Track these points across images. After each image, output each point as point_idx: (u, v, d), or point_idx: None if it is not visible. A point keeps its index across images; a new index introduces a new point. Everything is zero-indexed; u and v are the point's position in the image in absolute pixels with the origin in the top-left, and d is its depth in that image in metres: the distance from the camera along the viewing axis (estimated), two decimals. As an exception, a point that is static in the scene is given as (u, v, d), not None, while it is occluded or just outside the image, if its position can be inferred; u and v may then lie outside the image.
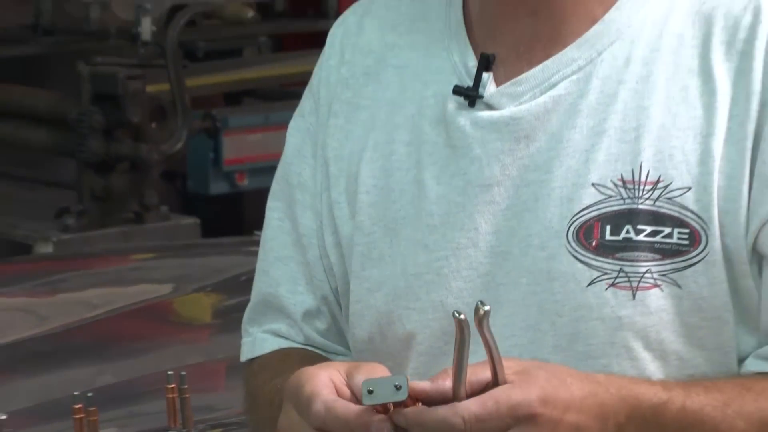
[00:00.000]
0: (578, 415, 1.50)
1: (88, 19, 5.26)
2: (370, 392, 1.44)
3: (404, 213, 1.74)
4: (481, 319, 1.45)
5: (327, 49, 1.86)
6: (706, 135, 1.66)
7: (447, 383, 1.46)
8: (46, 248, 4.13)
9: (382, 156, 1.77)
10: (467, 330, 1.44)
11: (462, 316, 1.44)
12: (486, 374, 1.47)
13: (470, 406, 1.46)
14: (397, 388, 1.44)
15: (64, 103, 4.29)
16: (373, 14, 1.85)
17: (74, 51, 5.15)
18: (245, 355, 1.84)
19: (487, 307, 1.46)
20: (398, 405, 1.45)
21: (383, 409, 1.46)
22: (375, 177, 1.77)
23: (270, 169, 5.14)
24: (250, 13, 5.41)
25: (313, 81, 1.86)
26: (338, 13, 5.76)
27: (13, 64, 5.38)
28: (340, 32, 1.87)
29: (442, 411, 1.46)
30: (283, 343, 1.80)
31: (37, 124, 4.41)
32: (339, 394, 1.48)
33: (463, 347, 1.45)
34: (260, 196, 5.51)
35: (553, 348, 1.62)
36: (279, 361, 1.78)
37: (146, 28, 5.02)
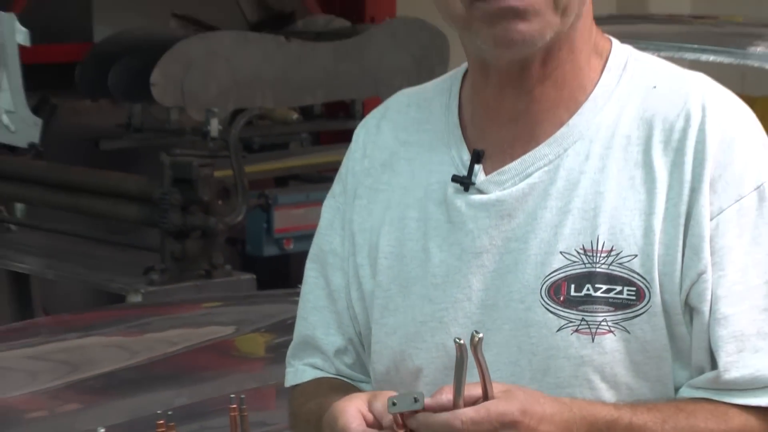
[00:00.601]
0: (549, 426, 1.51)
1: (169, 120, 5.28)
2: (394, 404, 1.48)
3: (414, 274, 1.74)
4: (476, 345, 1.48)
5: (352, 145, 1.86)
6: (649, 214, 1.66)
7: (448, 396, 1.49)
8: (136, 298, 4.12)
9: (397, 229, 1.76)
10: (465, 353, 1.46)
11: (461, 341, 1.47)
12: (478, 391, 1.50)
13: (467, 412, 1.48)
14: (416, 400, 1.48)
15: (150, 185, 4.29)
16: (388, 118, 1.85)
17: (158, 145, 5.16)
18: (289, 382, 1.85)
19: (480, 335, 1.48)
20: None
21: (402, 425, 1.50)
22: (391, 245, 1.76)
23: (310, 237, 5.12)
24: (295, 115, 5.42)
25: (342, 170, 1.85)
26: (363, 116, 5.75)
27: (112, 155, 5.40)
28: (362, 132, 1.86)
29: (445, 415, 1.49)
30: (319, 374, 1.81)
31: (129, 201, 4.40)
32: (365, 418, 1.52)
33: (461, 367, 1.47)
34: (302, 257, 5.48)
35: (530, 380, 1.63)
36: (315, 388, 1.79)
37: (214, 127, 5.03)
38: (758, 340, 1.62)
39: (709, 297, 1.62)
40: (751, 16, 5.99)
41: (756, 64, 3.46)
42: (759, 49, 3.47)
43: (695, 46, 3.46)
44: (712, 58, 3.40)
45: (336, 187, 1.85)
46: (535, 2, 1.63)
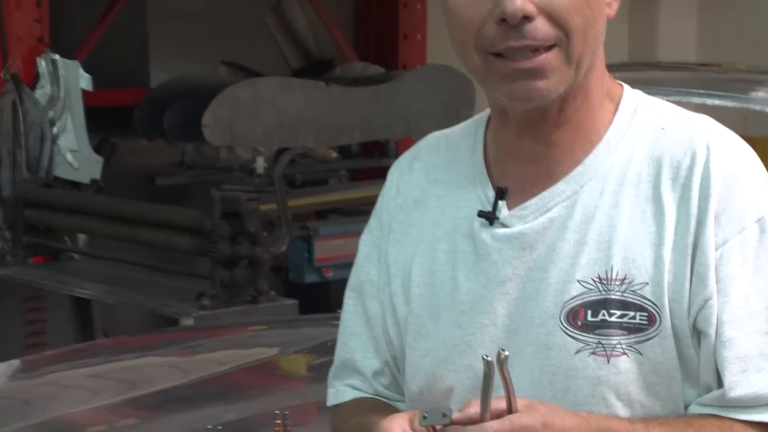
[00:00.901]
0: None
1: (219, 158, 5.30)
2: (425, 417, 1.49)
3: (444, 301, 1.74)
4: (502, 362, 1.48)
5: (387, 183, 1.87)
6: (659, 245, 1.65)
7: (476, 410, 1.50)
8: (189, 321, 4.12)
9: (428, 260, 1.76)
10: (492, 369, 1.47)
11: (489, 358, 1.47)
12: (503, 405, 1.50)
13: (493, 425, 1.49)
14: (444, 415, 1.49)
15: (201, 218, 4.30)
16: (419, 159, 1.85)
17: (209, 181, 5.18)
18: (330, 401, 1.85)
19: (506, 353, 1.49)
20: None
21: None
22: (423, 275, 1.76)
23: (348, 265, 5.10)
24: (334, 154, 5.43)
25: (378, 206, 1.86)
26: (396, 154, 5.78)
27: (167, 190, 5.42)
28: (396, 172, 1.87)
29: (473, 428, 1.50)
30: (358, 394, 1.82)
31: (182, 232, 4.41)
32: None
33: (488, 382, 1.48)
34: (341, 284, 5.48)
35: (551, 398, 1.63)
36: (355, 407, 1.80)
37: (260, 164, 5.05)
38: (761, 361, 1.62)
39: (714, 321, 1.62)
40: (752, 63, 5.98)
41: (757, 107, 3.46)
42: (760, 94, 3.48)
43: (701, 91, 3.46)
44: (716, 102, 3.40)
45: (372, 222, 1.85)
46: (548, 61, 1.63)
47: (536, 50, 1.62)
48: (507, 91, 1.64)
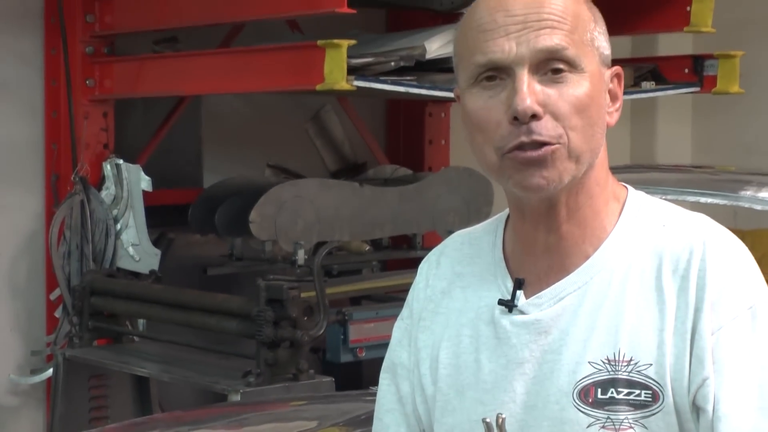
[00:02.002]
0: None
1: (264, 251, 5.30)
2: None
3: (468, 381, 1.74)
4: (500, 425, 1.49)
5: (418, 276, 1.88)
6: (661, 330, 1.66)
7: None
8: (236, 397, 4.11)
9: (454, 344, 1.77)
10: (491, 430, 1.57)
11: (489, 420, 1.49)
12: None
13: None
14: None
15: (248, 304, 4.30)
16: (446, 255, 1.86)
17: (255, 271, 5.17)
18: None
19: (504, 415, 1.51)
20: None
21: None
22: (449, 358, 1.77)
23: (380, 346, 5.06)
24: (367, 247, 5.44)
25: (409, 297, 1.87)
26: (423, 246, 5.79)
27: (217, 279, 5.43)
28: (425, 267, 1.88)
29: None
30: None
31: (231, 317, 4.41)
32: None
33: None
34: (373, 363, 5.46)
35: None
36: None
37: (301, 256, 5.06)
38: None
39: (711, 399, 1.62)
40: (741, 165, 5.98)
41: (746, 205, 3.46)
42: (748, 192, 3.48)
43: (696, 190, 3.47)
44: (709, 200, 3.41)
45: (405, 311, 1.87)
46: (553, 151, 1.65)
47: (543, 144, 1.65)
48: (519, 180, 1.67)
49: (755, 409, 1.62)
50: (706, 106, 7.22)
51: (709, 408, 1.61)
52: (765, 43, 6.98)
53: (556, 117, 1.64)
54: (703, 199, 3.36)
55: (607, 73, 1.73)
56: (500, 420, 1.53)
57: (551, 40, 1.65)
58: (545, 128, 1.64)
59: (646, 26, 5.43)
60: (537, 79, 1.65)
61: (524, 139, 1.64)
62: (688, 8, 5.13)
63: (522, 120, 1.63)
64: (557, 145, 1.64)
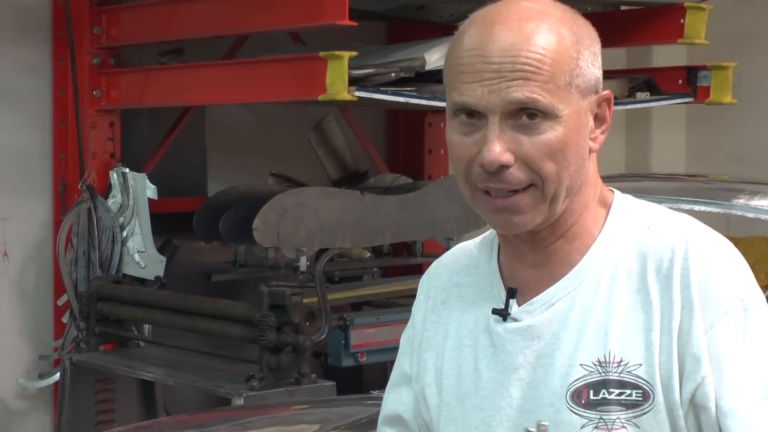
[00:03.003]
0: None
1: (267, 258, 5.30)
2: None
3: (468, 389, 1.75)
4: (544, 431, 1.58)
5: (420, 289, 1.91)
6: (649, 330, 1.66)
7: None
8: (239, 401, 4.11)
9: (455, 355, 1.78)
10: None
11: (532, 430, 1.57)
12: None
13: None
14: None
15: (251, 310, 4.30)
16: (445, 267, 1.87)
17: (258, 278, 5.18)
18: None
19: (546, 423, 1.51)
20: None
21: None
22: (451, 368, 1.78)
23: (380, 351, 5.05)
24: (368, 254, 5.44)
25: (413, 309, 1.92)
26: (422, 254, 5.78)
27: (221, 285, 5.43)
28: (426, 279, 1.90)
29: None
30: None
31: (235, 323, 4.41)
32: None
33: None
34: (374, 368, 5.47)
35: None
36: None
37: (303, 263, 5.06)
38: (764, 426, 1.61)
39: (713, 396, 1.61)
40: (734, 174, 6.00)
41: (738, 213, 3.47)
42: (740, 201, 3.49)
43: (690, 198, 3.47)
44: (703, 208, 3.41)
45: (410, 323, 1.89)
46: (523, 200, 1.66)
47: (514, 191, 1.65)
48: (491, 221, 1.70)
49: (760, 399, 1.61)
50: (700, 116, 7.22)
51: (712, 405, 1.60)
52: (757, 55, 6.98)
53: (527, 164, 1.63)
54: (696, 207, 3.37)
55: (594, 98, 1.69)
56: (541, 428, 1.55)
57: (522, 92, 1.61)
58: (514, 177, 1.64)
59: (640, 38, 5.45)
60: (510, 125, 1.63)
61: (492, 185, 1.64)
62: (682, 21, 5.14)
63: (488, 170, 1.62)
64: (530, 189, 1.63)
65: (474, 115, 1.64)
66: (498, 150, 1.61)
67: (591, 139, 1.68)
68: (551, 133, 1.63)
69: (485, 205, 1.66)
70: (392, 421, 1.85)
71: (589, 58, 1.69)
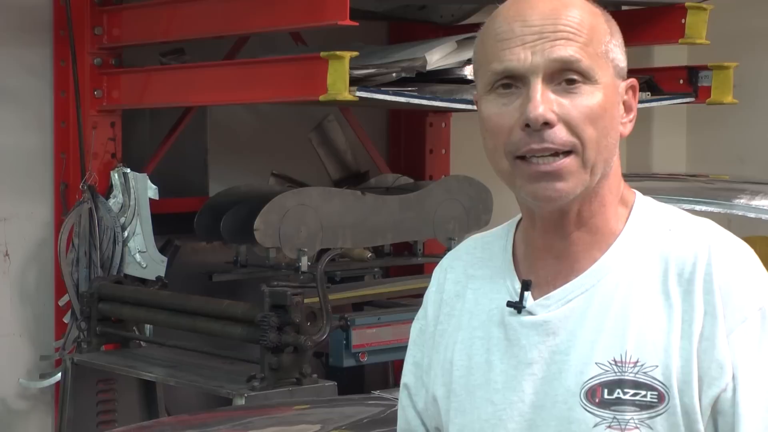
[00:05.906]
0: None
1: (269, 258, 5.30)
2: None
3: (479, 382, 1.75)
4: None
5: (432, 280, 1.90)
6: (667, 332, 1.65)
7: None
8: (241, 401, 4.10)
9: (467, 347, 1.78)
10: None
11: None
12: None
13: None
14: None
15: (252, 310, 4.29)
16: (459, 258, 1.87)
17: (260, 278, 5.18)
18: None
19: None
20: None
21: None
22: (462, 360, 1.78)
23: (381, 351, 5.04)
24: (369, 254, 5.43)
25: (425, 299, 1.92)
26: (423, 254, 5.77)
27: (222, 286, 5.42)
28: (439, 271, 1.90)
29: None
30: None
31: (236, 323, 4.40)
32: None
33: None
34: (375, 368, 5.45)
35: None
36: None
37: (304, 263, 5.05)
38: None
39: (731, 401, 1.61)
40: (734, 174, 5.98)
41: (739, 212, 3.47)
42: (742, 201, 3.49)
43: (691, 198, 3.47)
44: (704, 208, 3.41)
45: (421, 312, 1.89)
46: (566, 165, 1.65)
47: (555, 155, 1.64)
48: (531, 191, 1.67)
49: None
50: (701, 116, 7.21)
51: (730, 410, 1.61)
52: (758, 55, 6.97)
53: (569, 126, 1.65)
54: (698, 207, 3.36)
55: (622, 84, 1.75)
56: None
57: (566, 51, 1.65)
58: (557, 136, 1.66)
59: (642, 38, 5.43)
60: (551, 89, 1.66)
61: (535, 146, 1.64)
62: (683, 20, 5.14)
63: (534, 127, 1.63)
64: (571, 156, 1.64)
65: (511, 86, 1.67)
66: (543, 106, 1.64)
67: (621, 124, 1.72)
68: (592, 98, 1.67)
69: (526, 171, 1.65)
70: None
71: (619, 42, 1.75)
